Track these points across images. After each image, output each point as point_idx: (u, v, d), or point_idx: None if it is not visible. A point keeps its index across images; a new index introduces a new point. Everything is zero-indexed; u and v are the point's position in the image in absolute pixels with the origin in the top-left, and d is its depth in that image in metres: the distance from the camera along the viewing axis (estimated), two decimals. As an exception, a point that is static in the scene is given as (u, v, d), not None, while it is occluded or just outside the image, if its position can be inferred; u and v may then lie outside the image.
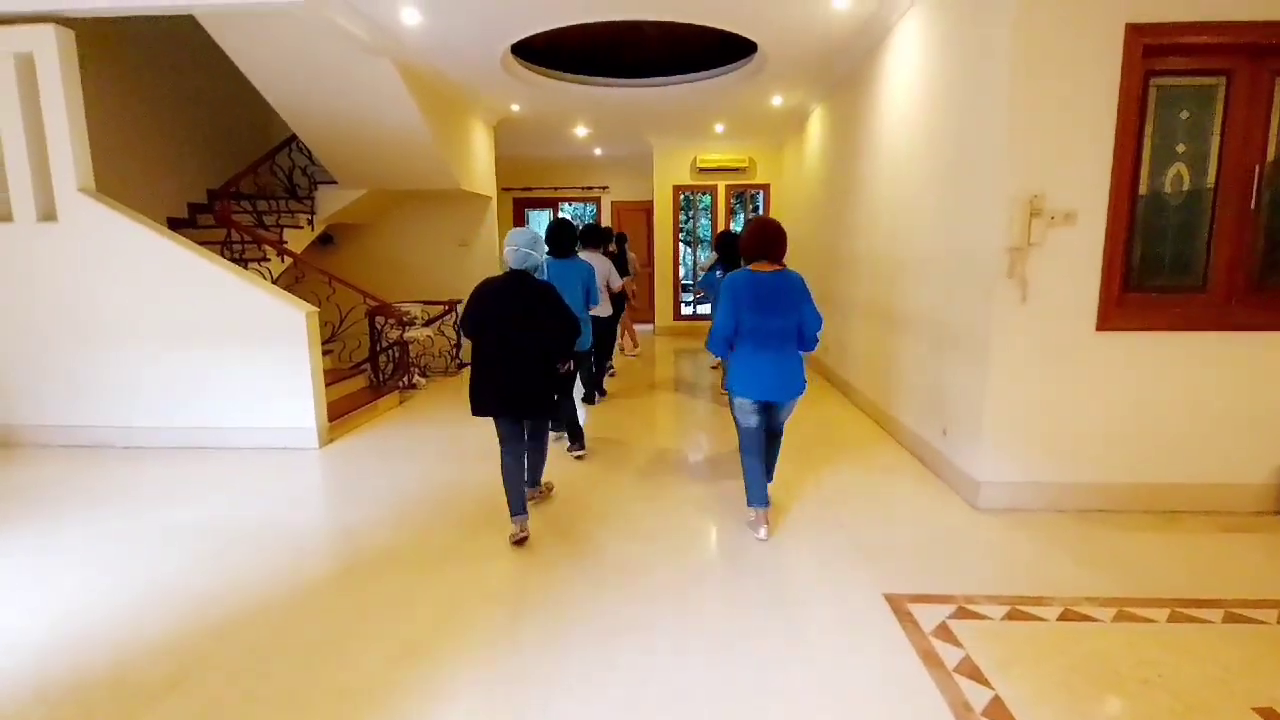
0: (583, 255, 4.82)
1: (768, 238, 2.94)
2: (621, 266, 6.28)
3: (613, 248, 5.99)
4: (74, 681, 2.03)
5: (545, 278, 3.02)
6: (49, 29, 4.12)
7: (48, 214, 4.33)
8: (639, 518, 3.26)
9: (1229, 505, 3.16)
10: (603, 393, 5.98)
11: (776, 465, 3.34)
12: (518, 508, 2.96)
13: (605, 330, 5.63)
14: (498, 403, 2.89)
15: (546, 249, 3.13)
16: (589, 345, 4.59)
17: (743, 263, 3.02)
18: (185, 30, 4.97)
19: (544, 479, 3.45)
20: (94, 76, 4.56)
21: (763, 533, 3.01)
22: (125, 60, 5.70)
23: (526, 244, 2.89)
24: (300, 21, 4.38)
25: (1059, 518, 3.14)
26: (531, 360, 2.88)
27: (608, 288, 5.23)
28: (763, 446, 3.10)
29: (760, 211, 10.03)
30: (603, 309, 5.22)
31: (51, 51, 4.13)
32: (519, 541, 2.92)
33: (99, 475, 3.97)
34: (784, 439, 3.29)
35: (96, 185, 4.42)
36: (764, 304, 2.89)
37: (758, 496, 3.06)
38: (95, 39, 5.04)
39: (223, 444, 4.44)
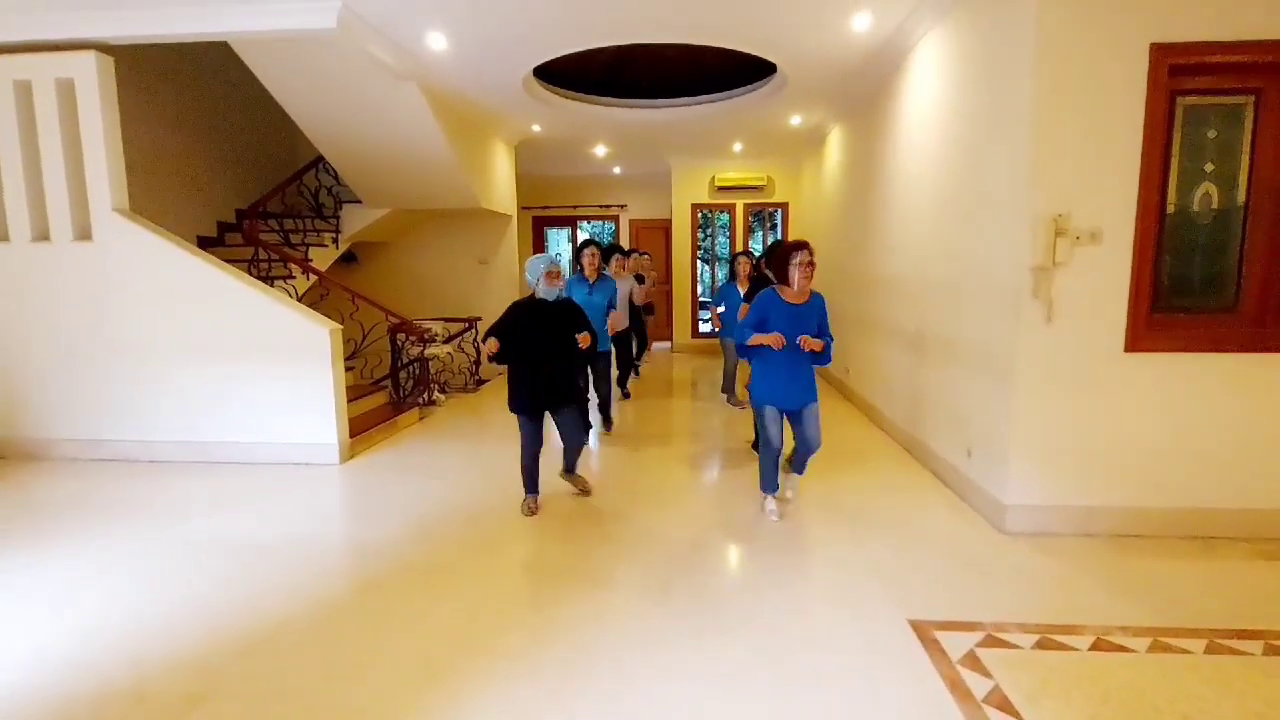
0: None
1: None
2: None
3: (612, 268, 5.62)
4: (96, 697, 2.04)
5: (561, 294, 3.57)
6: (90, 56, 4.27)
7: (83, 233, 4.47)
8: (657, 535, 3.23)
9: (1266, 531, 3.05)
10: (626, 394, 6.34)
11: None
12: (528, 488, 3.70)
13: (618, 339, 5.90)
14: None
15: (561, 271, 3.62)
16: (605, 347, 4.76)
17: None
18: (219, 56, 5.14)
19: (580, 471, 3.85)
20: (130, 100, 4.72)
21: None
22: (160, 84, 5.89)
23: (528, 269, 3.54)
24: (331, 48, 4.51)
25: (1089, 542, 3.06)
26: None
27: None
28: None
29: (779, 230, 10.06)
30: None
31: (91, 77, 4.28)
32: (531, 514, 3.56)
33: (124, 489, 4.04)
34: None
35: (130, 205, 4.55)
36: None
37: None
38: (132, 63, 5.24)
39: (246, 459, 4.51)
